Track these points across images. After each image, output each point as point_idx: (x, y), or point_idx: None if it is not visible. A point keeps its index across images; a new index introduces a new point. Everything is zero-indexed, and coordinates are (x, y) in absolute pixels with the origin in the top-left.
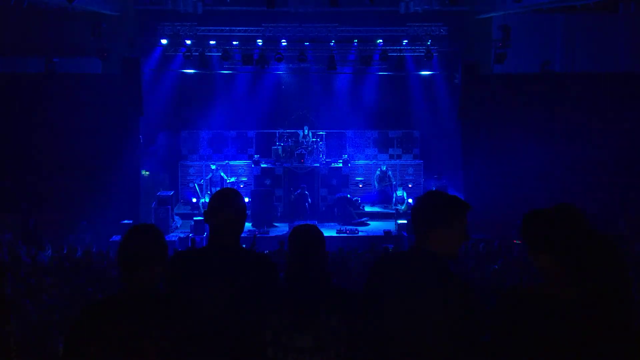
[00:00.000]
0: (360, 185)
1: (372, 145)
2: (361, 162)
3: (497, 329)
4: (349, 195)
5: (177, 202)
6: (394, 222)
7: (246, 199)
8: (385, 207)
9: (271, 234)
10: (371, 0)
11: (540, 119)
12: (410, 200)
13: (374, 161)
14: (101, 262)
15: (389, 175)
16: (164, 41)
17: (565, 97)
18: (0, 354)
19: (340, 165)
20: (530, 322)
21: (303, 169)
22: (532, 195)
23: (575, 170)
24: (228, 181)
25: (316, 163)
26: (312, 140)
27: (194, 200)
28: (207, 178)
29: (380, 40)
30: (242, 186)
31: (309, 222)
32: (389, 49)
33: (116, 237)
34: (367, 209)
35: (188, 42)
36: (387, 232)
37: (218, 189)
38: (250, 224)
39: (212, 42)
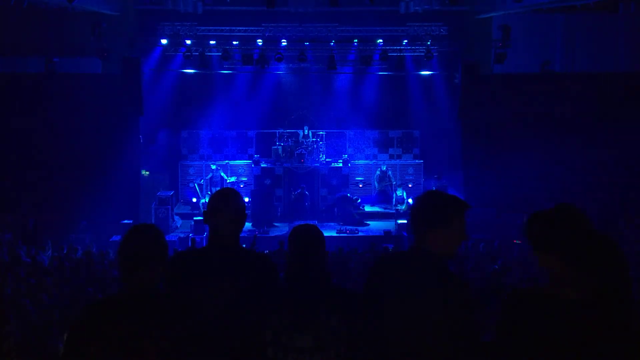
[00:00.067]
0: (360, 185)
1: (372, 145)
2: (361, 162)
3: (503, 330)
4: (349, 194)
5: (177, 202)
6: (394, 222)
7: (246, 199)
8: (385, 207)
9: (271, 234)
10: (371, 0)
11: (540, 119)
12: (410, 200)
13: (374, 161)
14: (101, 262)
15: (389, 175)
16: (164, 41)
17: (565, 97)
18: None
19: (340, 165)
20: (535, 322)
21: (303, 169)
22: (532, 195)
23: (575, 170)
24: (228, 181)
25: (316, 163)
26: (312, 140)
27: (194, 200)
28: (207, 178)
29: (380, 40)
30: (242, 186)
31: (309, 222)
32: (389, 48)
33: (116, 237)
34: (367, 209)
35: (188, 42)
36: (387, 232)
37: (218, 189)
38: (250, 224)
39: (212, 42)
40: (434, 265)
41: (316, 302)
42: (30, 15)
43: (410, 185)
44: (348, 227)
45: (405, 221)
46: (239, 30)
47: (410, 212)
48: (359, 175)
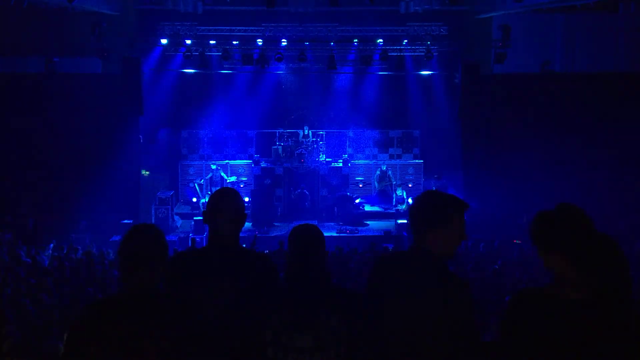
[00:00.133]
0: (360, 185)
1: (372, 145)
2: (361, 161)
3: (508, 330)
4: (349, 194)
5: (177, 202)
6: (394, 222)
7: (246, 199)
8: (385, 207)
9: (271, 234)
10: (371, 0)
11: (540, 119)
12: (410, 200)
13: (374, 161)
14: (101, 262)
15: (389, 175)
16: (164, 41)
17: (565, 97)
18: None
19: (340, 165)
20: (540, 322)
21: (303, 169)
22: (532, 195)
23: (575, 170)
24: (228, 181)
25: (316, 163)
26: (312, 140)
27: (194, 200)
28: (207, 178)
29: (380, 40)
30: (242, 186)
31: (309, 222)
32: (389, 48)
33: (116, 237)
34: (367, 208)
35: (188, 41)
36: (387, 232)
37: (218, 188)
38: (250, 224)
39: (212, 42)
40: (434, 265)
41: (316, 302)
42: (30, 15)
43: (410, 185)
44: (348, 227)
45: (405, 221)
46: (239, 30)
47: (410, 212)
48: (359, 175)
